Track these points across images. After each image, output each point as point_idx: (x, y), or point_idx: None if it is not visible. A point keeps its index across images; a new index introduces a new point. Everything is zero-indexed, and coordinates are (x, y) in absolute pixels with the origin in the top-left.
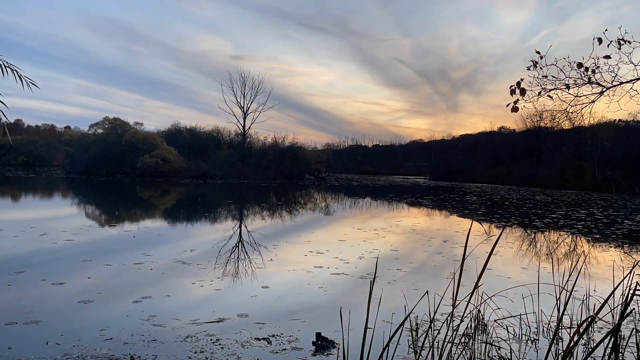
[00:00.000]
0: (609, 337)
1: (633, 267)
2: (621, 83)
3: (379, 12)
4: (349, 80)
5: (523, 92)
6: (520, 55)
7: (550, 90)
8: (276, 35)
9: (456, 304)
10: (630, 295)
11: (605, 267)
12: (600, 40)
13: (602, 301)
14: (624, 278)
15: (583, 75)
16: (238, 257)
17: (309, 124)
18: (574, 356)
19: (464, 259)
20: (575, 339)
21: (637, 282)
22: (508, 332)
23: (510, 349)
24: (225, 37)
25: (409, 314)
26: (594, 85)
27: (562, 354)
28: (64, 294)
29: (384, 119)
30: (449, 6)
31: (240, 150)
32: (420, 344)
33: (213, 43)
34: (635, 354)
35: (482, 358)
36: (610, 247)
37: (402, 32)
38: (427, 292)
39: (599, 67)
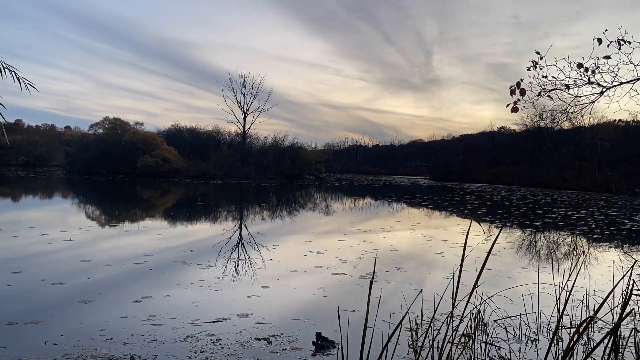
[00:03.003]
0: (608, 337)
1: (631, 267)
2: (621, 83)
3: None
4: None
5: (523, 92)
6: None
7: (550, 90)
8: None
9: (456, 303)
10: (628, 294)
11: (605, 267)
12: (600, 41)
13: (602, 301)
14: (622, 277)
15: (583, 76)
16: (238, 257)
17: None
18: (574, 356)
19: (463, 258)
20: (575, 338)
21: (633, 280)
22: (508, 332)
23: (510, 349)
24: None
25: (407, 312)
26: (594, 86)
27: (562, 353)
28: (64, 294)
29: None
30: None
31: (241, 150)
32: (420, 344)
33: None
34: (635, 354)
35: (482, 358)
36: (610, 247)
37: None
38: (421, 290)
39: (599, 67)
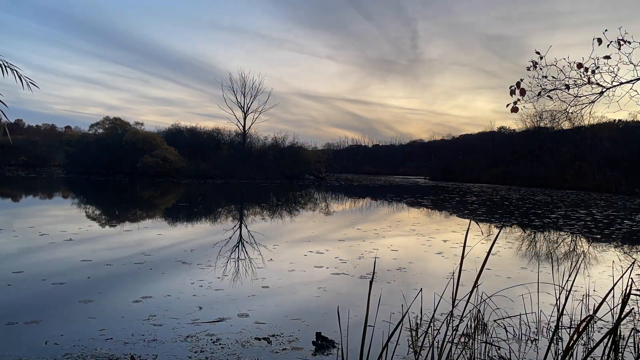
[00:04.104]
0: (608, 337)
1: (630, 267)
2: (621, 83)
3: None
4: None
5: (523, 92)
6: None
7: (550, 90)
8: None
9: (456, 303)
10: (627, 294)
11: (604, 267)
12: (600, 41)
13: (601, 301)
14: (621, 277)
15: (583, 76)
16: (238, 257)
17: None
18: (574, 356)
19: (462, 258)
20: (575, 338)
21: (631, 279)
22: (508, 331)
23: (510, 348)
24: None
25: (406, 312)
26: (593, 86)
27: (561, 353)
28: (64, 293)
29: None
30: None
31: (241, 150)
32: (420, 344)
33: None
34: (635, 354)
35: (482, 358)
36: (610, 247)
37: None
38: (420, 290)
39: (598, 67)
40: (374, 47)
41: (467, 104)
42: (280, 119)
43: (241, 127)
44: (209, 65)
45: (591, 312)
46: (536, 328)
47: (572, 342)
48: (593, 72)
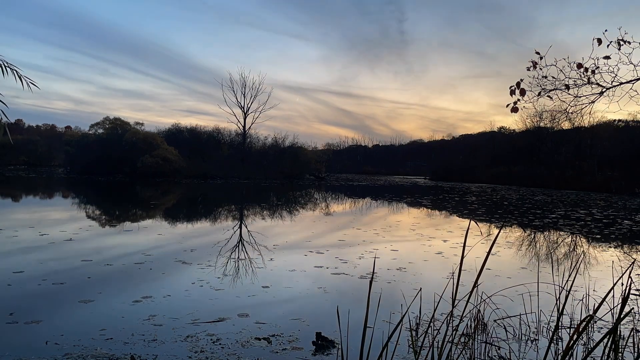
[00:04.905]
0: (608, 337)
1: (630, 266)
2: (621, 83)
3: None
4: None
5: (523, 92)
6: None
7: (550, 90)
8: None
9: (455, 303)
10: (626, 293)
11: (604, 267)
12: (600, 41)
13: (601, 300)
14: (620, 277)
15: (583, 76)
16: (238, 257)
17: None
18: (574, 356)
19: (462, 258)
20: (575, 338)
21: (630, 279)
22: (507, 331)
23: (510, 348)
24: None
25: (406, 312)
26: (593, 86)
27: (561, 353)
28: (64, 294)
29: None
30: None
31: (241, 150)
32: (420, 344)
33: None
34: (635, 354)
35: (482, 358)
36: (610, 247)
37: None
38: (420, 289)
39: (598, 67)
40: (355, 27)
41: (464, 97)
42: (266, 116)
43: (241, 127)
44: (164, 48)
45: (591, 312)
46: (536, 328)
47: (572, 342)
48: (593, 72)
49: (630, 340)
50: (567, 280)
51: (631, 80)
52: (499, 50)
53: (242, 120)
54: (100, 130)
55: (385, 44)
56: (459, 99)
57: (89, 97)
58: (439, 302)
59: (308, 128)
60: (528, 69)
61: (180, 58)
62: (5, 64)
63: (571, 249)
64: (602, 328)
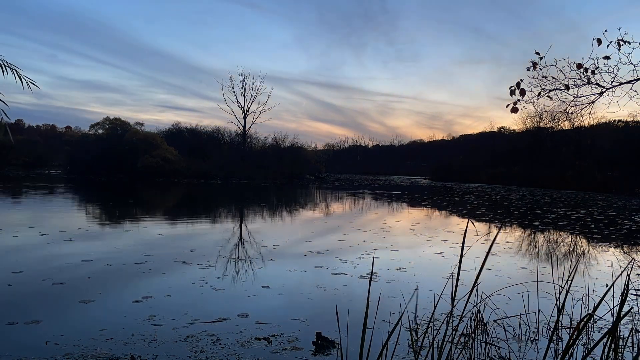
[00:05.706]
0: (607, 337)
1: (630, 265)
2: (621, 84)
3: None
4: None
5: (523, 92)
6: None
7: (550, 90)
8: None
9: (455, 303)
10: (625, 293)
11: (604, 267)
12: (599, 41)
13: (600, 299)
14: (619, 276)
15: (582, 76)
16: (238, 257)
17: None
18: (574, 355)
19: (461, 257)
20: (574, 337)
21: (628, 277)
22: (507, 331)
23: (510, 348)
24: None
25: (404, 310)
26: (593, 86)
27: (561, 353)
28: (64, 294)
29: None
30: None
31: (241, 150)
32: (419, 344)
33: None
34: (634, 354)
35: (482, 358)
36: (610, 246)
37: None
38: (416, 288)
39: (598, 67)
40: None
41: (461, 88)
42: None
43: (241, 127)
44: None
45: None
46: (536, 328)
47: (571, 341)
48: (593, 72)
49: (630, 339)
50: (567, 280)
51: (631, 81)
52: (499, 28)
53: (242, 121)
54: (101, 131)
55: (370, 26)
56: (456, 90)
57: (46, 89)
58: (438, 302)
59: (299, 125)
60: (528, 69)
61: (124, 36)
62: (5, 64)
63: (571, 249)
64: (601, 328)
